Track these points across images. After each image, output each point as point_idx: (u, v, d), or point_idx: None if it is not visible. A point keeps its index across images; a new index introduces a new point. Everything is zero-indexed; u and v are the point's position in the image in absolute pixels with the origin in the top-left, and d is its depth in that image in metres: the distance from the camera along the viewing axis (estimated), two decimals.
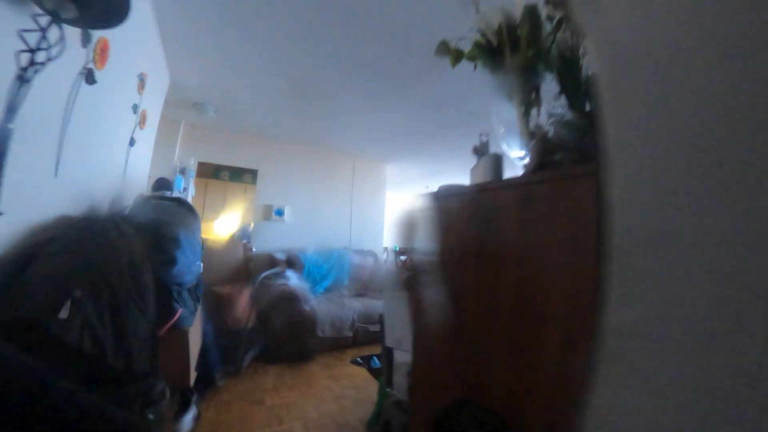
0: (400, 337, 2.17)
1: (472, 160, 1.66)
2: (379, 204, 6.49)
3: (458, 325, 1.28)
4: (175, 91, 3.77)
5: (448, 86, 3.50)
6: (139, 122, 2.75)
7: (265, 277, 3.58)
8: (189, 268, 1.86)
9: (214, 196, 7.01)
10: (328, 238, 5.64)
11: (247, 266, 4.36)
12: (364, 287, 5.21)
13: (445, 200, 1.44)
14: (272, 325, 3.76)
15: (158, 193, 2.78)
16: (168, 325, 1.70)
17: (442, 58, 1.69)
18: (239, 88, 3.81)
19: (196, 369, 2.34)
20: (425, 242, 1.51)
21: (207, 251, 4.01)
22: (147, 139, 3.13)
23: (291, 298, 3.84)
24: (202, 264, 2.37)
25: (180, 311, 1.76)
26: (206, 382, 2.88)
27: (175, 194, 4.42)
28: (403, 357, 2.16)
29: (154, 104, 3.18)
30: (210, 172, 7.08)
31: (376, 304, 4.66)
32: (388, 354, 2.32)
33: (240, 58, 3.19)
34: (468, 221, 1.29)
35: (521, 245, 1.10)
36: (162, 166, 4.41)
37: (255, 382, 3.34)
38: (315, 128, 4.88)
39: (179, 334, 1.92)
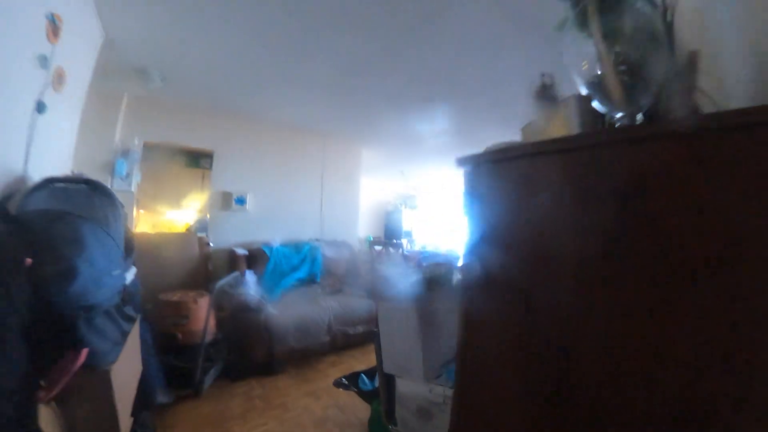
0: (404, 362, 1.64)
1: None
2: (353, 190, 5.88)
3: (561, 376, 0.75)
4: (112, 53, 3.05)
5: (441, 52, 2.97)
6: (53, 82, 2.09)
7: (224, 285, 2.92)
8: (100, 281, 1.25)
9: (168, 184, 6.26)
10: (296, 229, 4.99)
11: (206, 266, 3.71)
12: (339, 283, 4.64)
13: (514, 166, 0.89)
14: (235, 337, 3.18)
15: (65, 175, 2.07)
16: (69, 375, 1.11)
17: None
18: (191, 50, 3.12)
19: (133, 413, 1.73)
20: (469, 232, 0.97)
21: (154, 250, 3.36)
22: (68, 108, 2.44)
23: (253, 307, 3.25)
24: (134, 270, 1.76)
25: (88, 350, 1.16)
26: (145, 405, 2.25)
27: (116, 180, 3.73)
28: (408, 388, 1.64)
29: (78, 63, 2.49)
30: (163, 157, 6.31)
31: (354, 303, 4.13)
32: (387, 381, 1.79)
33: (190, 11, 2.53)
34: (565, 200, 0.76)
35: (705, 235, 0.59)
36: (99, 148, 3.69)
37: (220, 406, 2.75)
38: (281, 103, 4.21)
39: (96, 376, 1.32)
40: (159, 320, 2.64)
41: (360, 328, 4.03)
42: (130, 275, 1.62)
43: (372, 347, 4.17)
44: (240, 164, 4.67)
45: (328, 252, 4.73)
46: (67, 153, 2.55)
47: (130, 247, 1.70)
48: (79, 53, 2.50)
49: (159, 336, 2.52)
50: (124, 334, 1.56)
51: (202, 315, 2.73)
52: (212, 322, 2.89)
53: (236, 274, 3.03)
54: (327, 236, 5.20)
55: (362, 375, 2.41)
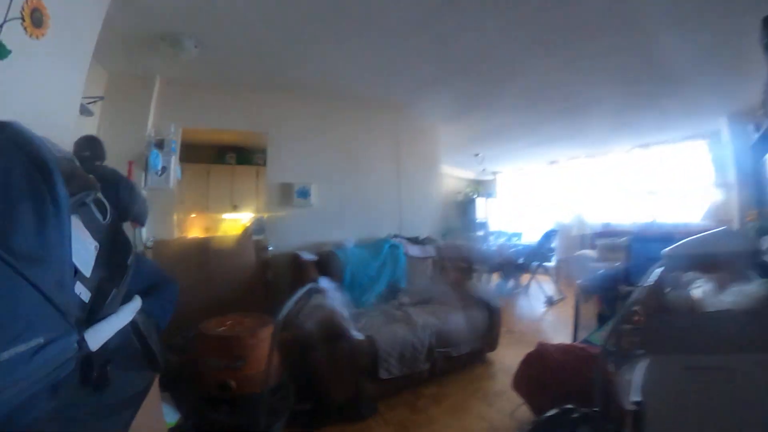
0: None
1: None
2: (433, 175, 4.91)
3: None
4: (133, 17, 2.40)
5: None
6: (24, 19, 1.41)
7: (295, 303, 2.00)
8: None
9: (219, 184, 5.79)
10: (372, 226, 4.10)
11: (264, 276, 2.91)
12: (428, 291, 3.68)
13: None
14: (306, 370, 2.34)
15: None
16: None
17: None
18: (228, 5, 2.36)
19: None
20: None
21: (197, 257, 2.60)
22: (53, 65, 1.68)
23: (336, 327, 2.40)
24: (132, 307, 0.92)
25: None
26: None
27: (150, 176, 3.02)
28: None
29: (72, 9, 1.77)
30: (212, 155, 5.79)
31: (455, 315, 3.15)
32: None
33: None
34: None
35: None
36: (128, 137, 3.02)
37: None
38: (346, 66, 3.31)
39: None
40: (202, 362, 1.84)
41: (465, 348, 3.07)
42: (107, 329, 0.77)
43: (479, 372, 3.25)
44: (300, 149, 3.83)
45: (413, 251, 3.79)
46: (56, 125, 1.78)
47: (120, 269, 0.85)
48: None
49: (203, 387, 1.71)
50: None
51: (263, 352, 1.88)
52: (276, 360, 2.03)
53: (310, 286, 2.09)
54: (406, 232, 4.25)
55: None
